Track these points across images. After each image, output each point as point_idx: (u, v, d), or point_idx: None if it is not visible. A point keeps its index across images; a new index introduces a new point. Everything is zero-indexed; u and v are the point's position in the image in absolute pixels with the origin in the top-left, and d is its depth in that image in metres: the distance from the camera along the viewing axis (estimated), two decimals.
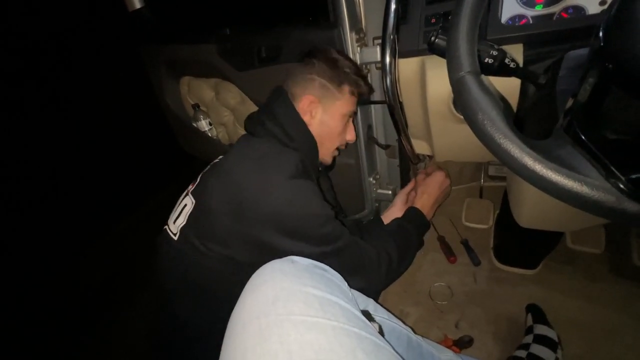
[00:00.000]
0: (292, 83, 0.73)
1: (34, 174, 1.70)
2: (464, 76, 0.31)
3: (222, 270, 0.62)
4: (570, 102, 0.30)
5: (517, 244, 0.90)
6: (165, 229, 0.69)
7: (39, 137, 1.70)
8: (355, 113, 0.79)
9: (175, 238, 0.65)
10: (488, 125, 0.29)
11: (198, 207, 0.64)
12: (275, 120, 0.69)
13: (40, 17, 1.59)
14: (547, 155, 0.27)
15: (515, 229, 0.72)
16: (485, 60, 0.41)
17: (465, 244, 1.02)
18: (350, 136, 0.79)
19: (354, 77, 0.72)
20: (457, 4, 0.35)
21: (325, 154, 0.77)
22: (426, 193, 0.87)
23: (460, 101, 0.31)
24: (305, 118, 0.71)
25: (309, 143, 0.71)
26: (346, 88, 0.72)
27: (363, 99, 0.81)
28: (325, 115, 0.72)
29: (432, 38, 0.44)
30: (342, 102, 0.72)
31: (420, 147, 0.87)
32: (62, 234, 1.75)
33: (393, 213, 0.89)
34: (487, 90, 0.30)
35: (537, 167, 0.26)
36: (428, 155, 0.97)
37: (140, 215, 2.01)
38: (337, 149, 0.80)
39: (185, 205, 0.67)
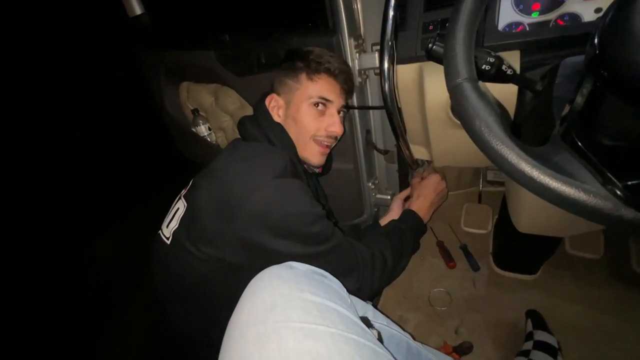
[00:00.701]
0: (271, 88, 0.77)
1: (35, 175, 1.72)
2: (461, 83, 0.31)
3: (214, 273, 0.62)
4: (566, 109, 0.30)
5: (516, 250, 0.90)
6: (159, 233, 0.69)
7: (40, 140, 1.72)
8: (329, 100, 0.72)
9: (168, 242, 0.65)
10: (485, 132, 0.29)
11: (189, 210, 0.64)
12: (258, 126, 0.71)
13: (40, 22, 1.60)
14: (544, 162, 0.27)
15: (514, 234, 0.71)
16: (482, 67, 0.41)
17: (464, 249, 1.02)
18: (332, 126, 0.72)
19: (314, 63, 0.71)
20: (454, 11, 0.35)
21: (307, 151, 0.74)
22: (422, 196, 0.87)
23: (458, 108, 0.31)
24: (275, 118, 0.73)
25: (287, 142, 0.71)
26: (302, 76, 0.72)
27: (344, 83, 0.76)
28: (290, 110, 0.73)
29: (430, 45, 0.45)
30: (300, 92, 0.72)
31: (419, 152, 0.87)
32: (62, 235, 1.76)
33: (390, 217, 0.89)
34: (484, 97, 0.30)
35: (534, 173, 0.26)
36: (427, 161, 0.97)
37: (140, 216, 2.02)
38: (327, 146, 0.75)
39: (178, 209, 0.67)
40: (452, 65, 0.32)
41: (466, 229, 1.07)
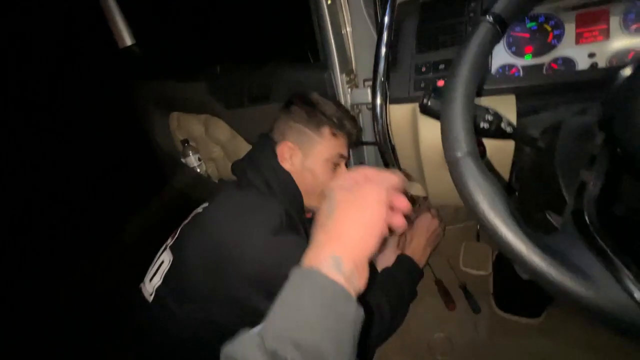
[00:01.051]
0: (275, 131, 0.72)
1: (34, 181, 1.70)
2: (461, 158, 0.28)
3: (201, 333, 0.57)
4: (577, 188, 0.27)
5: (518, 291, 0.86)
6: (141, 287, 0.65)
7: (38, 150, 1.71)
8: (345, 157, 0.74)
9: (150, 299, 0.61)
10: (490, 215, 0.26)
11: (175, 265, 0.60)
12: (258, 171, 0.67)
13: (32, 52, 1.59)
14: (558, 256, 0.23)
15: (514, 275, 0.67)
16: (481, 126, 0.39)
17: (463, 288, 0.97)
18: None
19: (335, 118, 0.70)
20: (450, 77, 0.32)
21: (316, 201, 0.72)
22: (415, 238, 0.83)
23: (458, 184, 0.28)
24: (286, 166, 0.69)
25: (293, 193, 0.68)
26: (326, 130, 0.70)
27: (354, 141, 0.77)
28: (307, 161, 0.69)
29: (425, 100, 0.43)
30: (323, 146, 0.70)
31: (414, 188, 0.85)
32: (63, 241, 1.73)
33: (385, 258, 0.85)
34: (485, 173, 0.27)
35: (551, 272, 0.23)
36: (423, 197, 0.94)
37: (142, 220, 1.97)
38: None
39: (162, 262, 0.63)
40: (450, 137, 0.29)
41: (465, 269, 1.02)
